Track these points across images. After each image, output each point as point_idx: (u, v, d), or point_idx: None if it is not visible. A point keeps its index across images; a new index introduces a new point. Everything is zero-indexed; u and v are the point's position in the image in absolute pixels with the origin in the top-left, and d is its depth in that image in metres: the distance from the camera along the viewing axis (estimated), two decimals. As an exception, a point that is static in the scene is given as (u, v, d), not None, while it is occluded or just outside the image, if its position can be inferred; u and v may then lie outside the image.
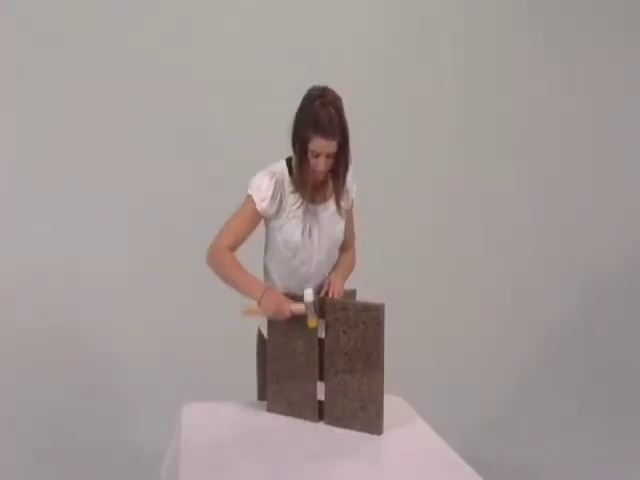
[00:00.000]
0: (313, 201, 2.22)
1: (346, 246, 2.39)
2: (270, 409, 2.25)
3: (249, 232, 2.19)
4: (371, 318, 2.05)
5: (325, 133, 2.02)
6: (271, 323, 2.23)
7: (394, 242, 3.80)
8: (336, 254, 2.33)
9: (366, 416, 2.08)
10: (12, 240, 3.57)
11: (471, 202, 4.00)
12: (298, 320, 2.13)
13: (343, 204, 2.26)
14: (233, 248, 2.17)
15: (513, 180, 4.05)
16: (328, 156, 2.08)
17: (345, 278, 2.31)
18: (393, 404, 2.21)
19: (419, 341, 3.72)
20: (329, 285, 2.19)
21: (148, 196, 3.67)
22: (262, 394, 2.36)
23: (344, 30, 3.80)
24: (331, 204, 2.25)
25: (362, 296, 2.25)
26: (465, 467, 1.86)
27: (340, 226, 2.28)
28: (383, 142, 3.79)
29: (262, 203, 2.15)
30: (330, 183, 2.23)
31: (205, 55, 3.68)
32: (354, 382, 2.09)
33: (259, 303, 2.10)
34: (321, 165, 2.08)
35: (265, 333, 2.31)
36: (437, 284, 3.91)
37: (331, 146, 2.05)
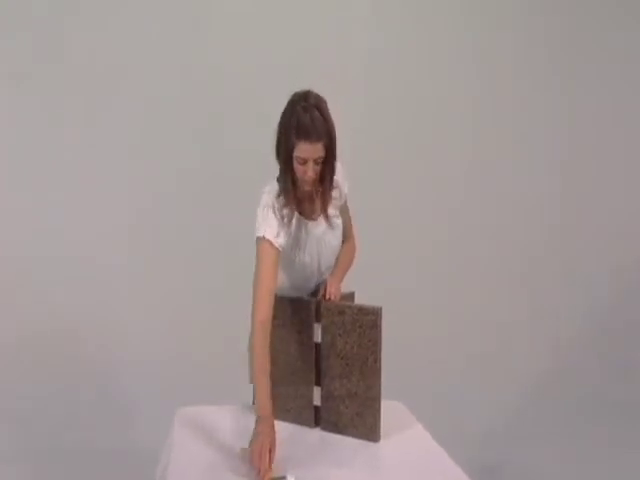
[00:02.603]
0: (308, 217, 2.15)
1: (345, 237, 2.31)
2: None
3: (277, 274, 2.05)
4: (368, 322, 2.02)
5: (309, 136, 1.90)
6: None
7: (395, 242, 3.79)
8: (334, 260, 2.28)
9: (363, 423, 2.06)
10: (14, 240, 3.57)
11: (473, 202, 3.99)
12: (294, 323, 2.11)
13: (331, 212, 2.17)
14: (271, 313, 2.02)
15: (516, 179, 4.03)
16: (316, 162, 1.97)
17: (342, 278, 2.26)
18: (392, 409, 2.18)
19: (420, 343, 3.72)
20: (325, 287, 2.15)
21: (149, 196, 3.68)
22: (257, 399, 2.33)
23: (346, 30, 3.79)
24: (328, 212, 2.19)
25: (362, 297, 2.24)
26: (464, 478, 1.83)
27: (337, 235, 2.22)
28: (384, 141, 3.79)
29: (278, 240, 2.01)
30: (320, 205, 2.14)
31: (209, 56, 3.67)
32: (350, 387, 2.06)
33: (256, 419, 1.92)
34: (310, 172, 1.97)
35: None
36: (437, 285, 3.91)
37: (317, 149, 1.94)
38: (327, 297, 2.12)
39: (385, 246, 3.72)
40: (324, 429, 2.13)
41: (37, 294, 3.61)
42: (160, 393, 3.45)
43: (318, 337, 2.11)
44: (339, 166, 2.23)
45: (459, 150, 3.94)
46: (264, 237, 2.01)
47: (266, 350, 1.98)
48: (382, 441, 2.05)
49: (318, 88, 2.01)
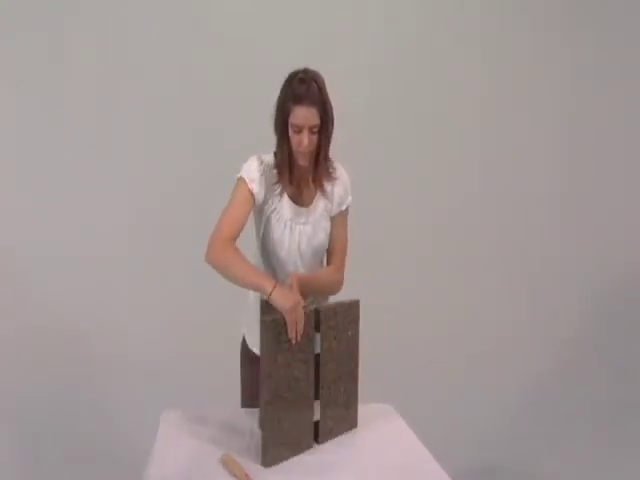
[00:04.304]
0: (299, 202, 2.19)
1: (329, 254, 2.28)
2: (268, 463, 1.88)
3: (247, 216, 2.10)
4: (355, 315, 2.06)
5: (302, 100, 1.97)
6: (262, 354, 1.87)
7: (395, 242, 3.79)
8: (318, 264, 2.28)
9: (348, 415, 2.06)
10: (14, 240, 3.57)
11: (473, 202, 3.98)
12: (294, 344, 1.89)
13: (328, 188, 2.19)
14: (234, 237, 2.05)
15: (516, 179, 4.02)
16: (311, 130, 2.01)
17: (307, 281, 2.07)
18: (384, 413, 2.16)
19: (420, 343, 3.72)
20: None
21: (149, 196, 3.67)
22: (246, 402, 2.31)
23: (347, 30, 3.78)
24: (317, 207, 2.21)
25: (361, 297, 2.22)
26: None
27: (323, 232, 2.23)
28: (384, 141, 3.78)
29: (253, 184, 2.09)
30: (316, 185, 2.19)
31: (209, 56, 3.66)
32: (341, 386, 2.04)
33: (269, 297, 1.85)
34: (305, 140, 2.01)
35: (249, 342, 2.27)
36: (437, 285, 3.90)
37: (312, 115, 1.99)
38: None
39: (385, 246, 3.72)
40: (322, 441, 2.03)
41: (37, 294, 3.61)
42: (160, 393, 3.44)
43: (318, 347, 1.98)
44: (345, 174, 2.24)
45: (459, 150, 3.94)
46: (243, 178, 2.10)
47: (234, 247, 2.01)
48: (364, 447, 2.02)
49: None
